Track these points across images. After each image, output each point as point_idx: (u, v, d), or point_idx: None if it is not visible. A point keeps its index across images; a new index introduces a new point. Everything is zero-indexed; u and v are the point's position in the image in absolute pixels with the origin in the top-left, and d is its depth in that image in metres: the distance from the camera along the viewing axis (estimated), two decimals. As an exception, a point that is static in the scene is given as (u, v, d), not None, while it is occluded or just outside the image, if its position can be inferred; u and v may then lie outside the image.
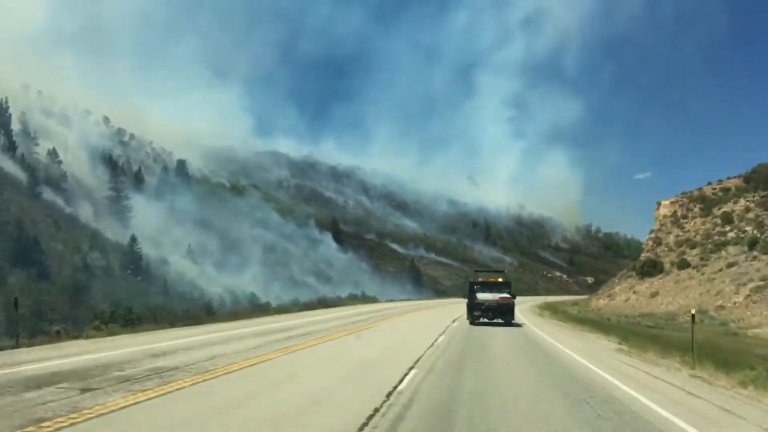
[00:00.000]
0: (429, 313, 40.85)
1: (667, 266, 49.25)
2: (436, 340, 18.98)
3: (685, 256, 49.10)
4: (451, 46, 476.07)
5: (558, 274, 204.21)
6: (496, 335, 22.67)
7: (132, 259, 55.18)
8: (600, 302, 52.56)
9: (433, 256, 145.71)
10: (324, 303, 45.59)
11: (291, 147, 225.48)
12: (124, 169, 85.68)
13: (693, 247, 53.12)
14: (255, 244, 76.01)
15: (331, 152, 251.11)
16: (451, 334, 22.45)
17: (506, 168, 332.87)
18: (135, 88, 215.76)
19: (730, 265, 41.18)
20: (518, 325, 28.53)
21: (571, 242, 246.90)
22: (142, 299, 45.28)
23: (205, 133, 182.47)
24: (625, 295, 48.97)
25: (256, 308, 35.54)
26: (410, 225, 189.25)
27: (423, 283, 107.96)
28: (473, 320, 29.45)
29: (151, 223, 66.11)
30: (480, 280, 32.16)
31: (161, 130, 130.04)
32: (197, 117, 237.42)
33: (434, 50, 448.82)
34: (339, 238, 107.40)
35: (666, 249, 61.95)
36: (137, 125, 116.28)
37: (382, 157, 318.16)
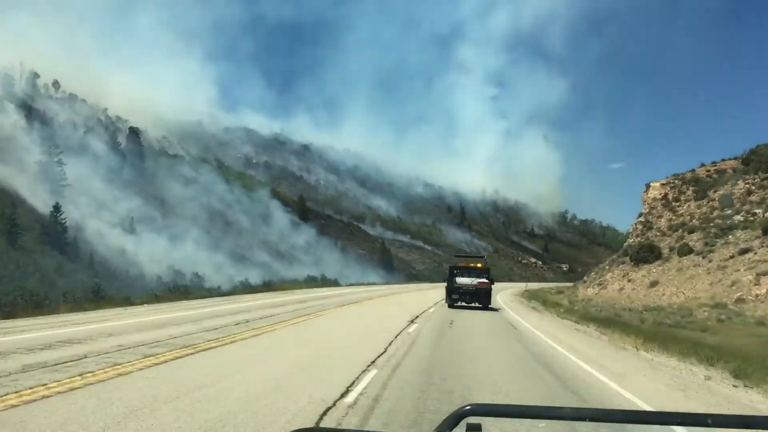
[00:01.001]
0: (385, 303, 32.53)
1: (665, 252, 43.65)
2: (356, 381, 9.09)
3: (685, 241, 43.53)
4: (430, 15, 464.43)
5: (533, 260, 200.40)
6: (485, 355, 13.29)
7: (54, 231, 47.42)
8: (589, 291, 46.91)
9: (406, 239, 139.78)
10: (269, 286, 39.17)
11: (261, 123, 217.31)
12: (67, 135, 77.51)
13: (691, 231, 47.72)
14: (209, 221, 68.85)
15: (302, 129, 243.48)
16: (398, 352, 12.48)
17: (484, 150, 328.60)
18: (96, 53, 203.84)
19: (743, 252, 35.60)
20: (513, 327, 21.87)
21: (546, 228, 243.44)
22: (53, 277, 38.36)
23: (169, 106, 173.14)
24: (619, 284, 43.30)
25: (182, 291, 29.00)
26: (383, 207, 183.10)
27: (394, 267, 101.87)
28: (451, 303, 30.13)
29: (88, 193, 58.66)
30: (460, 264, 32.65)
31: (123, 100, 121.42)
32: (160, 87, 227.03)
33: (411, 20, 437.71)
34: (306, 217, 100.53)
35: (659, 233, 56.63)
36: (93, 92, 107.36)
37: (355, 134, 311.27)
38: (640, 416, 1.94)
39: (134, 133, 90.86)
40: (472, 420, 1.82)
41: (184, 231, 59.24)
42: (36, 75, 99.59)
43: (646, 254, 43.97)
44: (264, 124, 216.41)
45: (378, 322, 19.78)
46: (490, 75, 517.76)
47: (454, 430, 1.76)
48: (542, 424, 4.20)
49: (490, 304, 30.71)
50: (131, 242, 54.40)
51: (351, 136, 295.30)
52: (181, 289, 30.10)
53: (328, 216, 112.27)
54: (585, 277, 60.08)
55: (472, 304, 29.93)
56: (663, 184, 68.75)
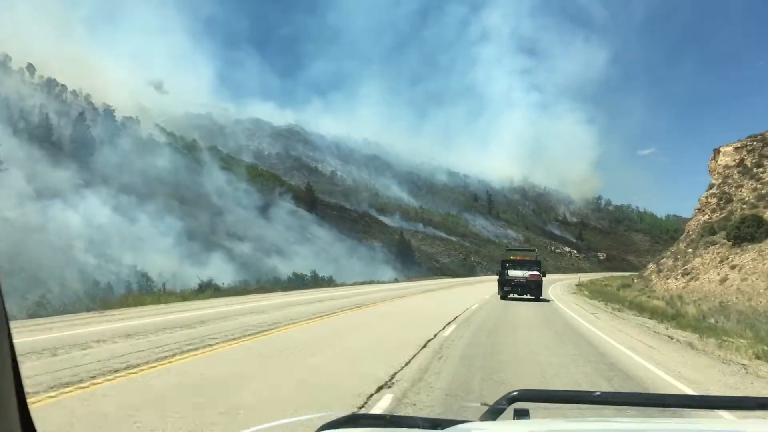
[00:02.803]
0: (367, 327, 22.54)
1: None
2: None
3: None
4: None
5: (567, 249, 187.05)
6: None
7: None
8: (671, 284, 34.86)
9: (429, 229, 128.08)
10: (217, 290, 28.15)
11: (273, 114, 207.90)
12: (39, 123, 67.79)
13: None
14: (200, 215, 58.19)
15: (317, 117, 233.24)
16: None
17: (511, 134, 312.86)
18: (88, 41, 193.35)
19: None
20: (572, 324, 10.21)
21: (579, 215, 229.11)
22: None
23: (171, 95, 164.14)
24: (717, 273, 31.20)
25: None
26: (404, 197, 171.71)
27: (415, 260, 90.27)
28: (504, 295, 30.71)
29: (50, 184, 48.65)
30: (511, 258, 33.28)
31: (119, 88, 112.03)
32: (159, 73, 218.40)
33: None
34: (314, 208, 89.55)
35: (744, 205, 44.32)
36: (82, 79, 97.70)
37: (372, 122, 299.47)
38: (695, 401, 1.94)
39: (109, 115, 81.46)
40: (520, 405, 1.80)
41: (174, 234, 48.33)
42: (8, 57, 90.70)
43: (751, 230, 31.81)
44: (277, 116, 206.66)
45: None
46: (519, 46, 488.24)
47: (502, 415, 1.75)
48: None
49: (541, 295, 31.38)
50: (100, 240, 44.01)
51: (368, 124, 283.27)
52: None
53: (341, 207, 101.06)
54: (651, 265, 47.98)
55: (524, 296, 30.69)
56: (737, 148, 56.41)
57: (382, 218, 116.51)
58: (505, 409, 1.79)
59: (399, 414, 4.53)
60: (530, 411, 1.86)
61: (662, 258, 43.83)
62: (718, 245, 34.51)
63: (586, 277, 77.23)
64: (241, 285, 34.16)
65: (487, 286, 45.78)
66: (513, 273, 30.89)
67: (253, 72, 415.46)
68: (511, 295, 30.44)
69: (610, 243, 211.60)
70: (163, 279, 30.92)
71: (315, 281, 39.01)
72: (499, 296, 30.86)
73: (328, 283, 40.70)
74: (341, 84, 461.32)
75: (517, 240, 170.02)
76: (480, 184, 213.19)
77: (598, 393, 1.84)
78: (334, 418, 1.75)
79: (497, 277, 32.36)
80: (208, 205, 58.56)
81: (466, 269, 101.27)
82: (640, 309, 23.06)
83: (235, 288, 31.97)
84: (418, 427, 1.76)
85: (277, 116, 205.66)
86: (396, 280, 53.99)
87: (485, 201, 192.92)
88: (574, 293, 36.17)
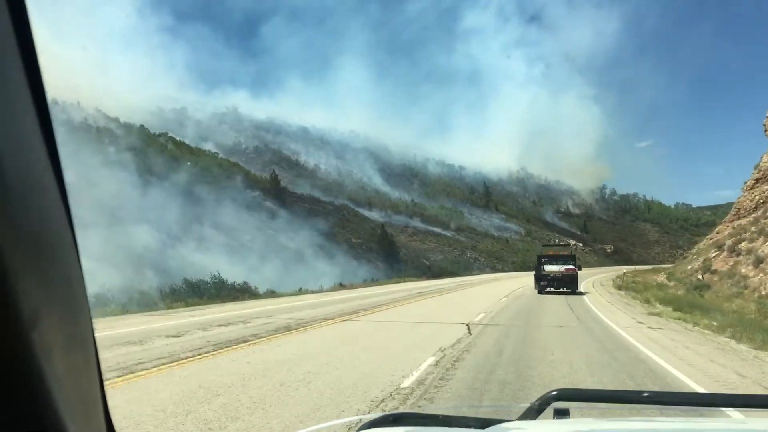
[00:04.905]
0: None
1: None
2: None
3: None
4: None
5: (572, 242, 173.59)
6: None
7: None
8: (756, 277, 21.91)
9: (418, 223, 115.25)
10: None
11: (253, 106, 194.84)
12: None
13: None
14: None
15: (301, 110, 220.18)
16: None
17: (508, 122, 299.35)
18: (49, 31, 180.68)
19: None
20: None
21: (583, 206, 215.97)
22: None
23: (143, 92, 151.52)
24: None
25: None
26: (396, 191, 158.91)
27: (400, 258, 77.30)
28: (541, 290, 31.38)
29: None
30: (547, 253, 34.05)
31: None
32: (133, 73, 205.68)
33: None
34: (282, 201, 76.62)
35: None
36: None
37: (361, 112, 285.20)
38: (742, 400, 1.89)
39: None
40: (560, 405, 1.78)
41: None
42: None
43: None
44: (257, 107, 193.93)
45: None
46: (520, 16, 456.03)
47: (542, 415, 1.73)
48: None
49: (577, 289, 32.00)
50: None
51: (355, 115, 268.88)
52: None
53: (315, 199, 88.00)
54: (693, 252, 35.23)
55: (560, 290, 31.22)
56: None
57: (366, 212, 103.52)
58: (545, 408, 1.74)
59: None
60: (570, 411, 1.80)
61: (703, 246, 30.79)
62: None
63: (602, 272, 64.37)
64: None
65: (489, 291, 33.34)
66: (549, 268, 31.58)
67: (228, 58, 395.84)
68: (548, 289, 31.15)
69: (617, 234, 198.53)
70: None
71: (222, 290, 26.14)
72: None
73: (271, 294, 27.90)
74: (325, 72, 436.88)
75: (518, 233, 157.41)
76: (476, 176, 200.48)
77: (646, 393, 1.79)
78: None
79: (524, 273, 30.64)
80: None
81: (461, 266, 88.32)
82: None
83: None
84: (459, 426, 1.68)
85: (258, 108, 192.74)
86: (341, 285, 40.60)
87: (482, 193, 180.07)
88: (656, 315, 18.73)
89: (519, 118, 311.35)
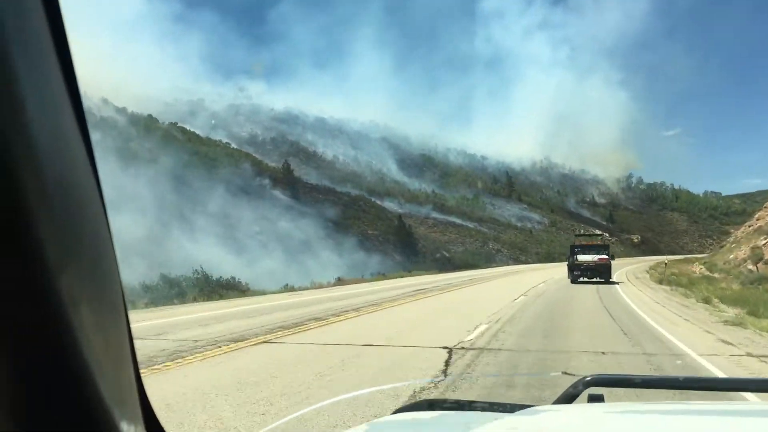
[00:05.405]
0: None
1: None
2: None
3: None
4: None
5: (598, 232, 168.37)
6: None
7: None
8: None
9: (438, 214, 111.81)
10: None
11: (272, 98, 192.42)
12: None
13: None
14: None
15: (316, 98, 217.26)
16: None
17: (532, 110, 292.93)
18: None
19: None
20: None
21: (609, 196, 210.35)
22: None
23: (159, 83, 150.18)
24: None
25: None
26: (416, 182, 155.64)
27: (418, 250, 74.07)
28: (574, 279, 31.28)
29: None
30: (580, 243, 34.30)
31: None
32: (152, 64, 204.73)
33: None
34: (295, 192, 73.91)
35: None
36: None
37: (381, 101, 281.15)
38: None
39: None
40: (594, 391, 1.79)
41: None
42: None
43: None
44: (276, 99, 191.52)
45: None
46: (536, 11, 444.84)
47: (576, 400, 1.77)
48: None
49: (611, 278, 31.60)
50: None
51: (375, 105, 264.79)
52: None
53: (331, 189, 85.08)
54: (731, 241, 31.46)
55: (594, 279, 31.07)
56: None
57: (385, 203, 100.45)
58: (579, 393, 1.75)
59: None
60: (605, 396, 1.82)
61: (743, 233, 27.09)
62: None
63: (629, 263, 60.44)
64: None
65: (505, 287, 29.90)
66: (582, 257, 31.56)
67: (243, 48, 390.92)
68: (581, 279, 31.13)
69: (644, 224, 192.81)
70: None
71: (210, 286, 23.24)
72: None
73: (260, 292, 24.97)
74: (342, 60, 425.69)
75: (542, 224, 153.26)
76: (499, 166, 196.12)
77: (681, 378, 1.81)
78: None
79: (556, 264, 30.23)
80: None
81: (482, 258, 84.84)
82: None
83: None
84: (493, 411, 1.69)
85: (275, 99, 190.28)
86: (339, 279, 37.20)
87: (505, 183, 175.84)
88: (736, 325, 13.52)
89: (542, 105, 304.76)
